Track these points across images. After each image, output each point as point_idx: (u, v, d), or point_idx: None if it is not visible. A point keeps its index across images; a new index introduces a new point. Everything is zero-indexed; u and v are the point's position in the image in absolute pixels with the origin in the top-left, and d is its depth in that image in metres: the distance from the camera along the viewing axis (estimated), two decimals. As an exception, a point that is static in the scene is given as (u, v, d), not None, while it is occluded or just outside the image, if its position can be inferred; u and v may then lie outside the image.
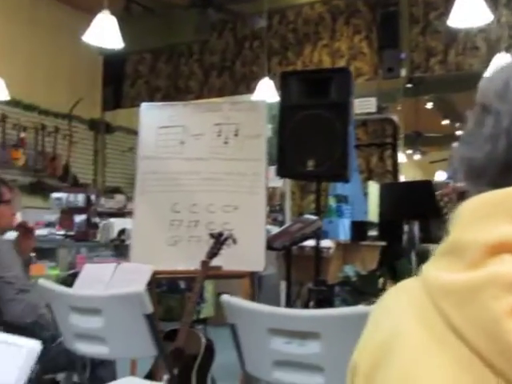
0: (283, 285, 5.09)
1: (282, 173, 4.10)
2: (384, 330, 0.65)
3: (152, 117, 4.34)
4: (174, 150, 4.20)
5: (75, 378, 2.92)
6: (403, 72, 6.73)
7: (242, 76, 7.12)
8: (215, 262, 3.22)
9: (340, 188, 6.10)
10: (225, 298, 1.95)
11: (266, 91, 5.82)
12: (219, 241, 3.11)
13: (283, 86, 4.08)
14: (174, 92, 7.55)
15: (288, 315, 1.83)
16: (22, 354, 0.64)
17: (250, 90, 6.67)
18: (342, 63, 6.92)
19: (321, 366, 1.80)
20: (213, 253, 3.08)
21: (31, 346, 0.63)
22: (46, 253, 5.84)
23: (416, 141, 11.58)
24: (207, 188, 4.08)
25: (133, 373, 3.87)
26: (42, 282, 2.45)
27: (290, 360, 1.84)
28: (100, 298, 2.28)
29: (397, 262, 4.33)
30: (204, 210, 4.05)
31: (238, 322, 1.95)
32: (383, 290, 4.16)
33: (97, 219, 6.50)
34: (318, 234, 3.90)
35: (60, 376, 3.02)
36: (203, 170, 4.12)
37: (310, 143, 3.83)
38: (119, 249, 6.18)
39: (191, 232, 4.02)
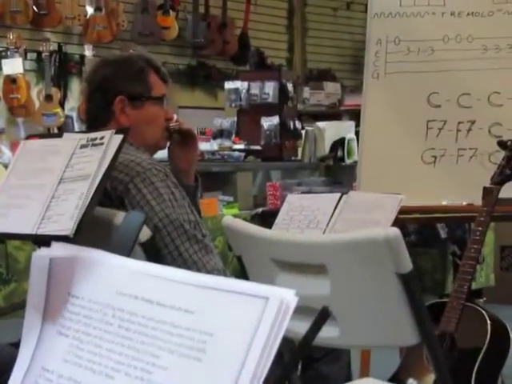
0: None
1: None
2: None
3: None
4: (429, 1, 4.19)
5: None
6: None
7: None
8: (505, 193, 3.20)
9: None
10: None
11: None
12: (516, 154, 3.08)
13: None
14: None
15: None
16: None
17: None
18: None
19: None
20: (505, 175, 3.05)
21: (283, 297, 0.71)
22: (216, 181, 6.09)
23: None
24: (488, 65, 4.08)
25: (364, 372, 4.01)
26: (227, 219, 2.56)
27: None
28: (324, 246, 2.34)
29: None
30: (483, 104, 4.05)
31: None
32: None
33: (297, 124, 6.66)
34: None
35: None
36: (480, 35, 4.10)
37: None
38: (334, 172, 6.30)
39: (461, 141, 4.04)
